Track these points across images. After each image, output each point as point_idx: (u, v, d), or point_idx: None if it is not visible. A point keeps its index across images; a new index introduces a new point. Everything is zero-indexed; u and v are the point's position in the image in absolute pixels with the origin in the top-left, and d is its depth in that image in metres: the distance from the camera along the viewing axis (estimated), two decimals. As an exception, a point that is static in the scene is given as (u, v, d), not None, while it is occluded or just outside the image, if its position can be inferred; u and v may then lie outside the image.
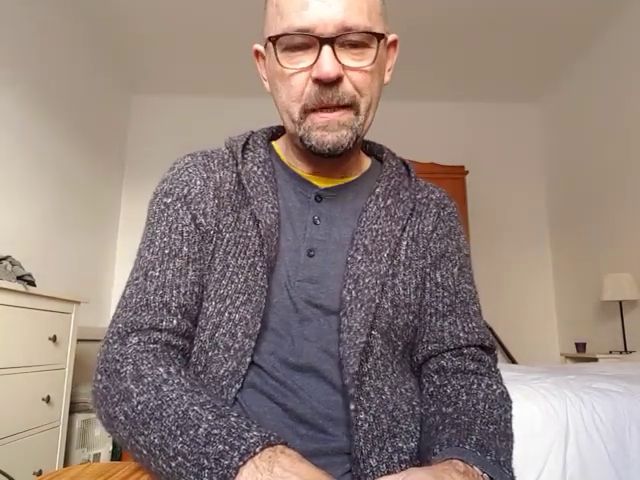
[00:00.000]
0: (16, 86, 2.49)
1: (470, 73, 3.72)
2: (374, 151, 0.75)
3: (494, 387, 0.60)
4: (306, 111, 0.58)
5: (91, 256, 3.33)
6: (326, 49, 0.54)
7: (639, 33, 2.91)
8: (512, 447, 0.54)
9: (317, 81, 0.56)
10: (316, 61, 0.55)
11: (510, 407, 0.60)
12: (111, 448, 2.43)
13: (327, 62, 0.54)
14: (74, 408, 2.19)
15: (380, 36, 0.57)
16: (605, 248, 3.20)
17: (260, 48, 0.66)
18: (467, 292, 0.67)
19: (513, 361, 3.44)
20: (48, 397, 1.85)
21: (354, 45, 0.56)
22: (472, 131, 4.04)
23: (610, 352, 2.98)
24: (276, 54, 0.58)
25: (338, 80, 0.56)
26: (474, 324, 0.65)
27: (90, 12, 3.04)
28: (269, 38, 0.58)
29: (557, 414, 1.13)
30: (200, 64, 3.64)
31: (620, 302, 2.92)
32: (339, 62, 0.55)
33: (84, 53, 3.21)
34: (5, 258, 1.92)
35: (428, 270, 0.66)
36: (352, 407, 0.54)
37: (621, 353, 2.87)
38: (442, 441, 0.52)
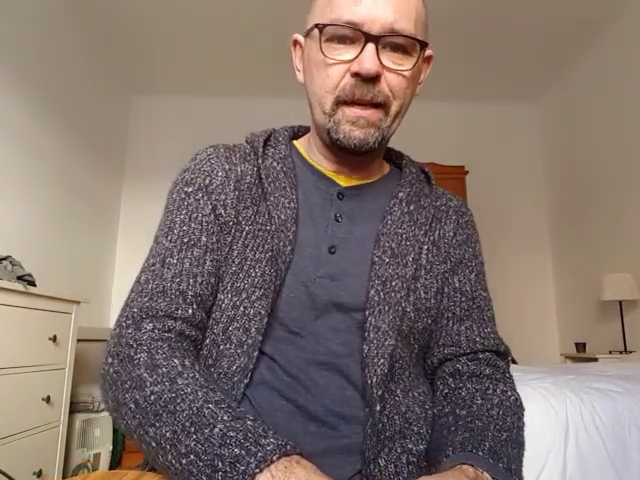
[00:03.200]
0: (16, 86, 2.49)
1: (470, 73, 3.72)
2: (392, 157, 0.76)
3: (509, 393, 0.60)
4: (338, 103, 0.59)
5: (91, 256, 3.33)
6: (370, 46, 0.56)
7: (639, 33, 2.91)
8: (523, 455, 0.55)
9: (356, 75, 0.57)
10: (358, 56, 0.56)
11: (522, 415, 0.60)
12: (111, 448, 2.43)
13: (369, 58, 0.55)
14: (74, 408, 2.19)
15: (424, 44, 0.59)
16: (605, 248, 3.20)
17: (300, 38, 0.67)
18: (483, 299, 0.68)
19: (513, 361, 3.44)
20: (48, 397, 1.85)
21: (396, 48, 0.58)
22: (472, 131, 4.04)
23: (610, 352, 2.98)
24: (320, 42, 0.58)
25: (376, 78, 0.57)
26: (489, 329, 0.66)
27: (90, 12, 3.04)
28: (316, 25, 0.59)
29: (557, 414, 1.13)
30: (200, 64, 3.64)
31: (620, 302, 2.92)
32: (380, 61, 0.56)
33: (84, 53, 3.21)
34: (5, 258, 1.92)
35: (447, 275, 0.66)
36: (378, 408, 0.55)
37: (621, 353, 2.87)
38: (455, 444, 0.52)
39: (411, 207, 0.66)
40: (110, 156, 3.66)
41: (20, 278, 1.82)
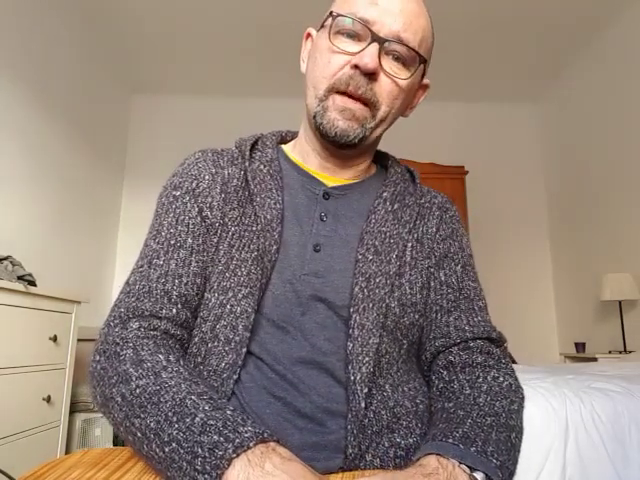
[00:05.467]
0: (16, 86, 2.49)
1: (470, 73, 3.72)
2: (379, 158, 0.77)
3: (500, 379, 0.60)
4: (331, 90, 0.61)
5: (91, 256, 3.33)
6: (374, 45, 0.59)
7: (639, 33, 2.92)
8: (513, 438, 0.53)
9: (354, 67, 0.60)
10: (361, 51, 0.59)
11: (518, 398, 0.59)
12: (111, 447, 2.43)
13: (370, 55, 0.58)
14: (74, 408, 2.19)
15: (423, 60, 0.63)
16: (605, 248, 3.20)
17: (312, 32, 0.70)
18: (471, 289, 0.68)
19: (513, 361, 3.44)
20: (49, 397, 1.85)
21: (397, 58, 0.61)
22: (472, 131, 4.04)
23: (610, 352, 2.98)
24: (331, 29, 0.62)
25: (372, 76, 0.60)
26: (479, 318, 0.66)
27: (90, 12, 3.04)
28: (331, 13, 0.63)
29: (556, 414, 1.13)
30: (200, 64, 3.64)
31: (620, 302, 2.93)
32: (380, 63, 0.60)
33: (84, 53, 3.22)
34: (6, 258, 1.92)
35: (432, 270, 0.67)
36: (363, 405, 0.55)
37: (620, 353, 2.87)
38: (429, 437, 0.52)
39: (395, 206, 0.68)
40: (110, 156, 3.66)
41: (20, 278, 1.82)
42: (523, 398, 0.60)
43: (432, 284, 0.67)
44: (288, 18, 3.04)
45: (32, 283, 1.86)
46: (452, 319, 0.65)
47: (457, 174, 3.48)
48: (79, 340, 2.12)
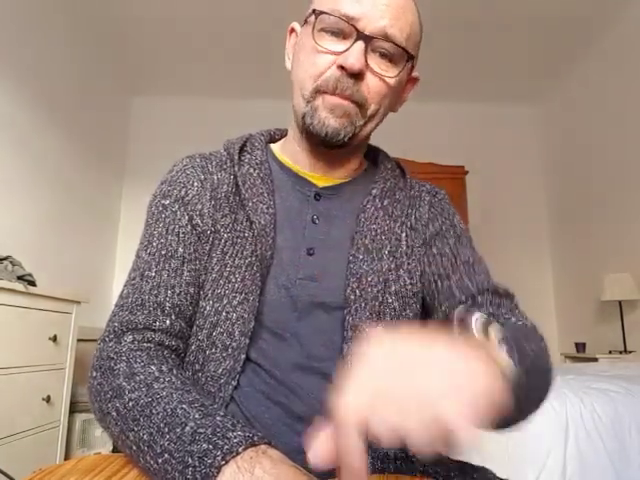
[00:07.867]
0: (16, 87, 2.49)
1: (470, 73, 3.72)
2: (370, 153, 0.76)
3: (521, 322, 0.57)
4: (318, 92, 0.60)
5: (91, 256, 3.33)
6: (359, 44, 0.57)
7: (639, 34, 2.92)
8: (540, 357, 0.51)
9: (340, 68, 0.58)
10: (346, 50, 0.58)
11: (544, 342, 0.55)
12: (111, 448, 2.43)
13: (356, 54, 0.57)
14: (74, 408, 2.19)
15: (410, 56, 0.61)
16: (605, 248, 3.20)
17: (296, 26, 0.69)
18: (470, 255, 0.67)
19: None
20: (48, 397, 1.85)
21: (384, 55, 0.59)
22: (472, 131, 4.04)
23: (610, 352, 2.98)
24: (314, 28, 0.60)
25: (358, 76, 0.58)
26: (482, 276, 0.64)
27: (90, 13, 3.04)
28: (314, 10, 0.61)
29: (557, 414, 1.13)
30: (200, 65, 3.64)
31: (620, 302, 2.93)
32: (366, 61, 0.58)
33: (84, 54, 3.22)
34: (5, 258, 1.92)
35: (426, 248, 0.67)
36: None
37: (621, 353, 2.87)
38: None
39: (385, 202, 0.67)
40: (110, 157, 3.66)
41: (20, 278, 1.82)
42: (544, 340, 0.56)
43: (426, 260, 0.66)
44: (288, 19, 3.04)
45: (32, 283, 1.86)
46: (453, 282, 0.63)
47: (457, 174, 3.48)
48: (79, 340, 2.13)
